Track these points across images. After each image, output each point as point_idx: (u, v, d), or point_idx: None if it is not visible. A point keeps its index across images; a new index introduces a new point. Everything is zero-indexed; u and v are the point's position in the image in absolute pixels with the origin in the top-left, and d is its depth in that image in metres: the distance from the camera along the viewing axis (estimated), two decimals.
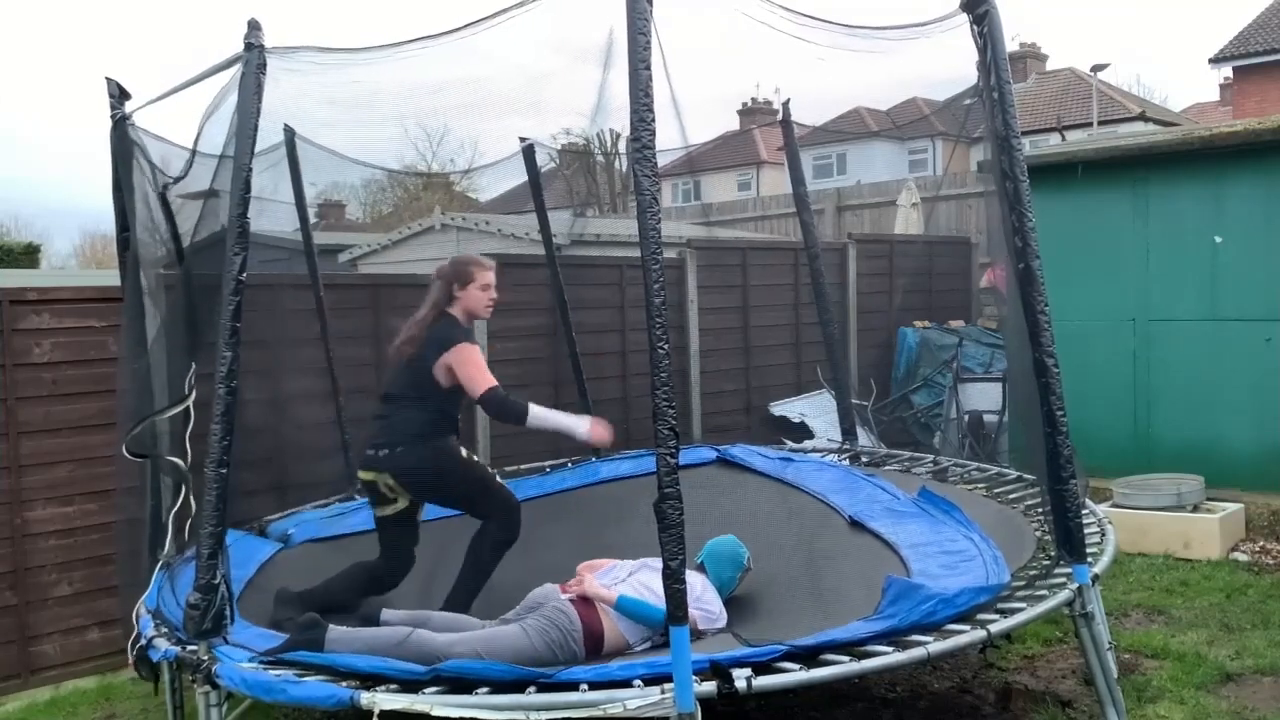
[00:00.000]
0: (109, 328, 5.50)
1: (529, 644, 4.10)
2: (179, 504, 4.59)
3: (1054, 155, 8.22)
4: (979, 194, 11.13)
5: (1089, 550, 4.18)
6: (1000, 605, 3.83)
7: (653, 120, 3.33)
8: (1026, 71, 32.94)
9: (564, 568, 4.68)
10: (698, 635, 4.15)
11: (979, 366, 9.04)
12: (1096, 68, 27.70)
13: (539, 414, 4.78)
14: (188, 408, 4.53)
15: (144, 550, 4.70)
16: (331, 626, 3.99)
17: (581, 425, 4.83)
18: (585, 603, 4.29)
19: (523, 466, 6.94)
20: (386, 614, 4.39)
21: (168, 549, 4.61)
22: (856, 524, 5.19)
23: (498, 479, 5.19)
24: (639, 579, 4.40)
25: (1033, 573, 4.23)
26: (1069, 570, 4.03)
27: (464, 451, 5.11)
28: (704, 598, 4.42)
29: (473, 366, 4.80)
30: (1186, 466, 7.22)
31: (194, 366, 4.56)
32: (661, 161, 3.71)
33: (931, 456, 6.64)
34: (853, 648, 3.50)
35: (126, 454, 4.55)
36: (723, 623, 4.40)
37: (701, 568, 4.64)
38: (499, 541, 4.91)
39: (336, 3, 58.96)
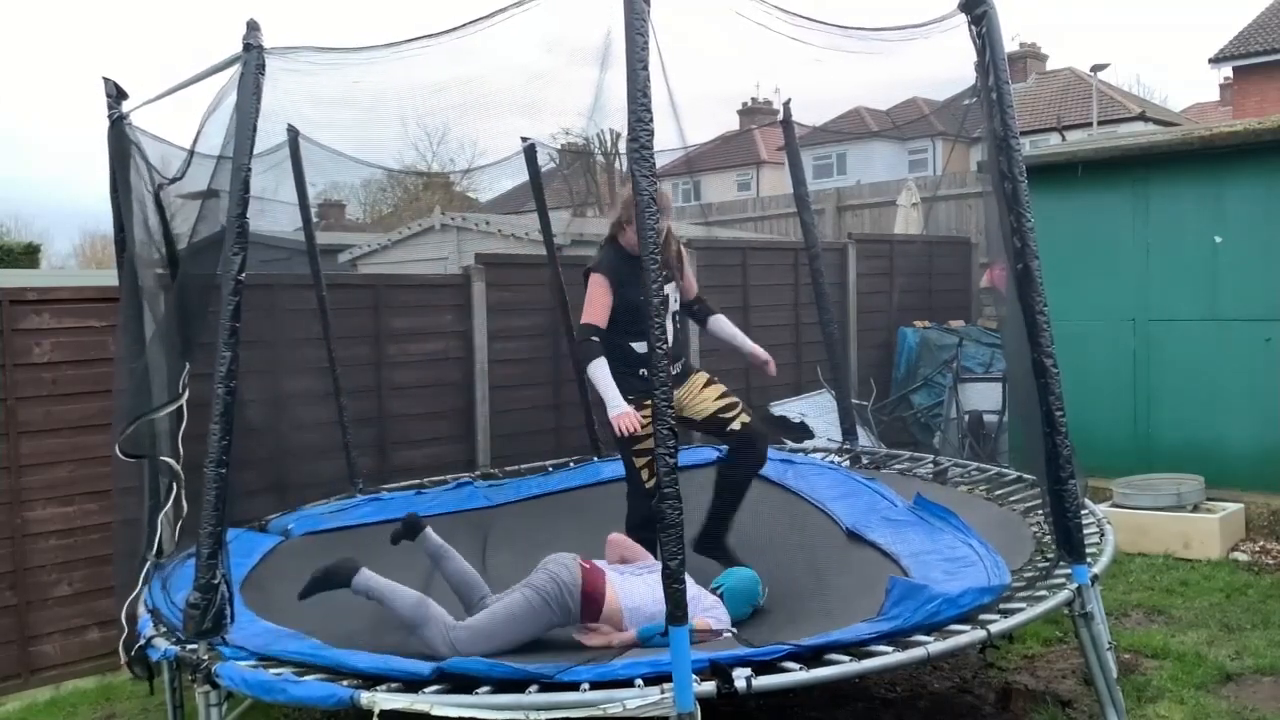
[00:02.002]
0: (109, 328, 5.51)
1: (527, 606, 4.16)
2: (170, 504, 4.61)
3: (1054, 155, 8.22)
4: (979, 194, 11.13)
5: (1088, 550, 4.18)
6: (1001, 605, 3.83)
7: (651, 120, 3.33)
8: (1026, 71, 32.92)
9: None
10: (708, 636, 4.16)
11: (979, 366, 9.04)
12: (1096, 68, 27.69)
13: (596, 373, 4.66)
14: (181, 407, 4.54)
15: (140, 551, 4.71)
16: (363, 569, 4.18)
17: (615, 408, 4.64)
18: (594, 569, 4.32)
19: (524, 467, 6.96)
20: (428, 534, 4.59)
21: (156, 549, 4.62)
22: (855, 536, 5.18)
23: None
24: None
25: (1032, 573, 4.23)
26: (1069, 570, 4.03)
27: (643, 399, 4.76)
28: (714, 611, 4.38)
29: (588, 296, 4.83)
30: (1186, 466, 7.22)
31: (188, 366, 4.57)
32: (660, 161, 3.71)
33: (931, 456, 6.63)
34: (854, 648, 3.50)
35: (120, 454, 4.56)
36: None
37: (719, 594, 4.53)
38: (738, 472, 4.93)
39: (336, 3, 58.96)
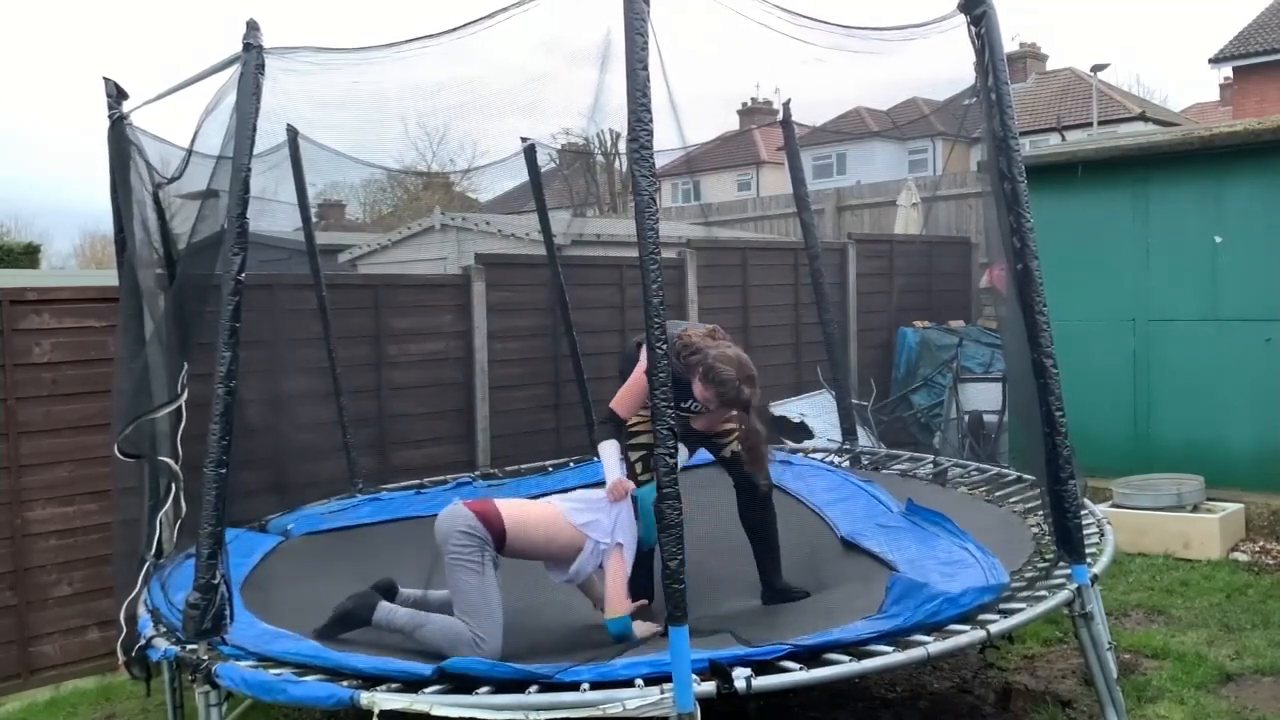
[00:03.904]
0: (109, 328, 5.51)
1: (465, 572, 4.12)
2: (169, 504, 4.61)
3: (1054, 155, 8.22)
4: (979, 194, 11.13)
5: (1088, 550, 4.18)
6: (1000, 605, 3.83)
7: (650, 120, 3.34)
8: (1026, 71, 32.91)
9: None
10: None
11: (979, 366, 9.04)
12: (1096, 68, 27.68)
13: (604, 451, 4.63)
14: (180, 407, 4.54)
15: (140, 551, 4.71)
16: (382, 603, 4.23)
17: (611, 476, 4.57)
18: (475, 501, 4.34)
19: (524, 467, 6.96)
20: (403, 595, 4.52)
21: (155, 549, 4.63)
22: (851, 545, 5.18)
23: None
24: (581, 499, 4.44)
25: (1032, 574, 4.23)
26: (1068, 570, 4.03)
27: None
28: (623, 522, 4.36)
29: (630, 384, 4.71)
30: (1186, 466, 7.22)
31: (186, 366, 4.57)
32: (660, 161, 3.71)
33: (931, 457, 6.64)
34: (854, 647, 3.50)
35: (119, 454, 4.56)
36: (625, 541, 4.34)
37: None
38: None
39: (336, 3, 58.98)
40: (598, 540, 4.28)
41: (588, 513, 4.34)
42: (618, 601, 4.21)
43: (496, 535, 4.21)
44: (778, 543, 4.83)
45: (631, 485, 4.48)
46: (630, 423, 4.78)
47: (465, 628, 4.12)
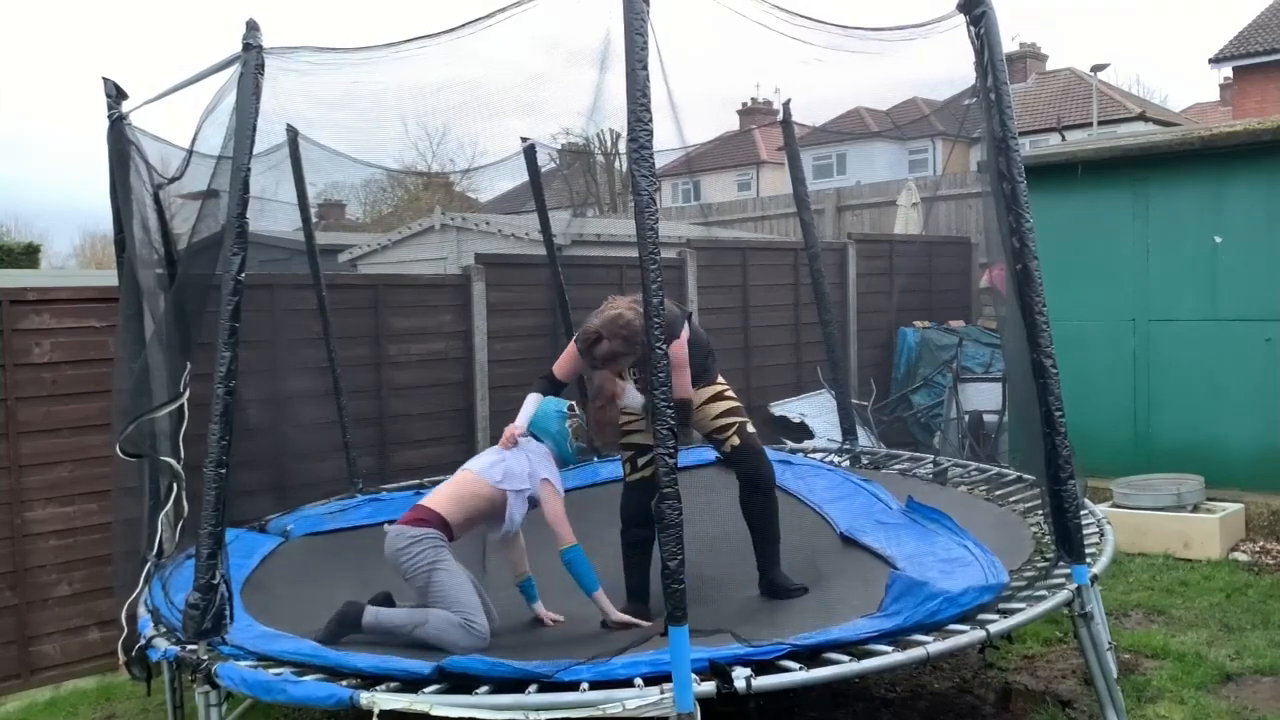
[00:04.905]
0: (109, 328, 5.51)
1: (442, 574, 4.27)
2: (170, 504, 4.61)
3: (1054, 155, 8.22)
4: (979, 194, 11.13)
5: (1088, 550, 4.18)
6: (1000, 605, 3.83)
7: (650, 120, 3.34)
8: (1026, 71, 32.90)
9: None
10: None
11: (979, 366, 9.04)
12: (1096, 68, 27.68)
13: (525, 401, 4.90)
14: (182, 407, 4.54)
15: (141, 551, 4.71)
16: (368, 608, 4.29)
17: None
18: (405, 515, 4.47)
19: None
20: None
21: (156, 549, 4.63)
22: (850, 540, 5.18)
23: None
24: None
25: (1032, 573, 4.23)
26: (1068, 570, 4.03)
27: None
28: (543, 463, 4.57)
29: (563, 353, 5.03)
30: (1186, 466, 7.22)
31: (189, 366, 4.57)
32: (660, 161, 3.71)
33: (931, 457, 6.64)
34: (854, 647, 3.50)
35: (120, 454, 4.56)
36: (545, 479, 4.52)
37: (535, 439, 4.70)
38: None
39: (336, 3, 58.98)
40: (520, 489, 4.48)
41: (498, 468, 4.52)
42: (562, 531, 4.43)
43: (441, 528, 4.37)
44: (777, 535, 4.85)
45: (519, 431, 4.69)
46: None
47: (454, 615, 4.23)
